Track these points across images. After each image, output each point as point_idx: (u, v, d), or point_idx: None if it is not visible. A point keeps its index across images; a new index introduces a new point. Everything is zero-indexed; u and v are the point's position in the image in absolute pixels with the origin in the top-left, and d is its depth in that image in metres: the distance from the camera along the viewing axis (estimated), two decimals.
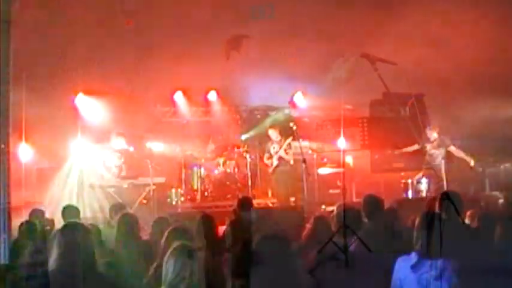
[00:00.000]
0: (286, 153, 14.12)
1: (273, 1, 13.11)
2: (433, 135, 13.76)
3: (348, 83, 14.85)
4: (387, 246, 5.79)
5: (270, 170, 14.42)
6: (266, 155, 14.52)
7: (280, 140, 14.22)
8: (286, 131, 14.23)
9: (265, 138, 14.93)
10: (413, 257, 4.90)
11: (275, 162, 14.20)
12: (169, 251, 4.54)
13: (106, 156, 13.57)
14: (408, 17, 12.53)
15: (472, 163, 13.63)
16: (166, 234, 5.94)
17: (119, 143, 13.60)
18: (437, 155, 13.68)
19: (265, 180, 15.75)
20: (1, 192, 6.67)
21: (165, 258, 4.50)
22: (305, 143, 14.82)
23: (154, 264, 5.67)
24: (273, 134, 14.42)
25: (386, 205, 7.99)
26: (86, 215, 11.49)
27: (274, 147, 14.30)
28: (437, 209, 6.28)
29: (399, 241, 6.01)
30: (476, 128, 14.34)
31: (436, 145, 13.71)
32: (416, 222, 5.10)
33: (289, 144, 13.99)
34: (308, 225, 6.96)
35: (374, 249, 5.57)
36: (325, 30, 13.39)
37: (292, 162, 14.11)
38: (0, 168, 6.71)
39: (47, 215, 10.37)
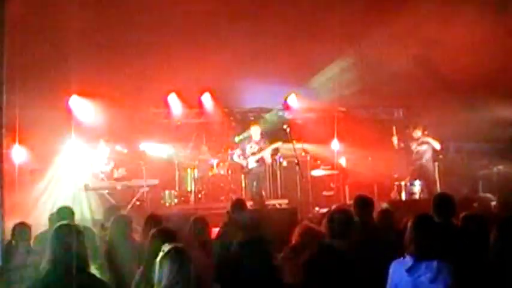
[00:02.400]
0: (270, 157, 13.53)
1: (266, 2, 13.13)
2: (417, 133, 13.82)
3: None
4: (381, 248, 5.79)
5: (245, 170, 13.52)
6: (238, 152, 13.71)
7: (259, 141, 13.47)
8: (271, 134, 14.19)
9: None
10: (408, 260, 4.91)
11: (252, 163, 13.33)
12: (162, 254, 4.51)
13: (93, 162, 13.57)
14: (403, 17, 12.55)
15: (438, 146, 13.73)
16: (150, 235, 5.91)
17: (105, 150, 13.60)
18: (423, 152, 13.77)
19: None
20: None
21: (158, 261, 4.47)
22: (298, 145, 14.84)
23: (142, 267, 5.63)
24: (256, 130, 13.57)
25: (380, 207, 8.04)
26: (80, 216, 11.48)
27: (251, 147, 13.44)
28: (430, 211, 6.32)
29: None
30: (469, 130, 14.40)
31: (421, 142, 13.79)
32: (409, 224, 5.11)
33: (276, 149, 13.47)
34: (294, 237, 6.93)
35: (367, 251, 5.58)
36: (319, 31, 13.40)
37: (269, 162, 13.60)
38: None
39: (41, 216, 10.39)
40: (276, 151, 13.70)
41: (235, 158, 13.83)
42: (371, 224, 7.00)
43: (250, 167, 13.36)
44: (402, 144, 14.01)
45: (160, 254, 4.50)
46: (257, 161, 13.34)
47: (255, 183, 13.44)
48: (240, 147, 13.77)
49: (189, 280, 4.36)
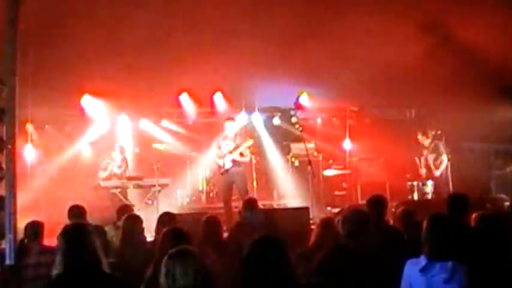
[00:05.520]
0: (242, 156, 12.68)
1: (278, 2, 13.10)
2: (427, 141, 13.78)
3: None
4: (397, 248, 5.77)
5: (222, 170, 12.69)
6: (218, 152, 12.85)
7: (235, 138, 12.77)
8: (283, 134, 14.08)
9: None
10: (422, 260, 4.88)
11: (228, 163, 12.54)
12: (168, 255, 4.46)
13: (106, 160, 13.59)
14: (417, 16, 12.50)
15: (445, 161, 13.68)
16: (161, 234, 5.90)
17: (117, 149, 13.63)
18: (434, 160, 13.74)
19: (271, 181, 15.79)
20: (7, 193, 6.67)
21: (164, 262, 4.42)
22: (311, 145, 14.82)
23: (152, 267, 5.60)
24: (230, 126, 12.87)
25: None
26: (92, 215, 11.51)
27: (228, 145, 12.68)
28: (443, 212, 6.28)
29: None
30: (483, 130, 14.32)
31: (431, 151, 13.75)
32: (424, 225, 5.08)
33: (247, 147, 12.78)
34: (315, 229, 6.94)
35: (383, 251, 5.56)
36: (331, 30, 13.36)
37: (248, 159, 13.00)
38: (6, 169, 6.72)
39: (54, 215, 10.43)
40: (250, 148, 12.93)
41: (216, 159, 13.04)
42: (385, 224, 6.98)
43: (226, 167, 12.61)
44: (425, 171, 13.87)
45: (167, 255, 4.46)
46: (233, 161, 12.58)
47: (234, 186, 12.68)
48: (216, 145, 13.06)
49: (196, 282, 4.30)
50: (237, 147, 12.67)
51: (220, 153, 12.76)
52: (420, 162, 13.86)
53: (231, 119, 13.33)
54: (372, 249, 5.54)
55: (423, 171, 13.74)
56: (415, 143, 14.39)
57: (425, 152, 13.82)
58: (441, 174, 13.65)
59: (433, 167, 13.61)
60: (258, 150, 16.07)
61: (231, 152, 12.62)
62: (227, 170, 12.62)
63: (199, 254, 4.50)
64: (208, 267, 4.48)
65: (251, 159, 14.87)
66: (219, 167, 12.87)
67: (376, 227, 6.65)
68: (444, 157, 13.60)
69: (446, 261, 4.75)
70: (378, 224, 6.82)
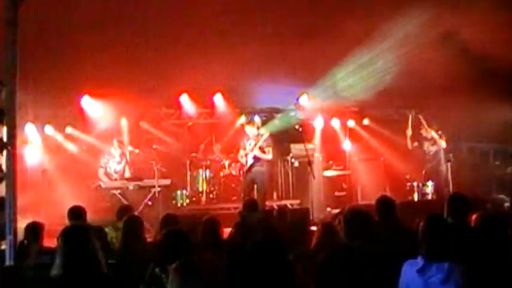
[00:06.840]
0: (263, 152, 12.84)
1: (278, 3, 13.10)
2: (427, 132, 13.90)
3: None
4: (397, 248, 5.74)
5: (245, 168, 13.08)
6: (241, 152, 13.20)
7: (257, 136, 13.01)
8: (284, 134, 14.14)
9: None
10: (419, 261, 4.86)
11: (250, 160, 12.85)
12: (176, 268, 4.41)
13: (106, 161, 13.57)
14: (416, 16, 12.50)
15: (443, 145, 13.81)
16: (160, 236, 5.86)
17: (117, 150, 13.61)
18: (435, 153, 13.79)
19: (271, 182, 15.75)
20: (7, 194, 6.68)
21: (174, 275, 4.35)
22: (311, 145, 14.81)
23: (151, 267, 5.56)
24: (251, 130, 13.17)
25: None
26: (92, 216, 11.50)
27: (250, 144, 12.97)
28: (443, 212, 6.27)
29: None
30: (483, 130, 14.32)
31: (433, 142, 13.84)
32: (421, 225, 5.07)
33: (265, 140, 12.92)
34: (316, 231, 6.92)
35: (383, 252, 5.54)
36: (331, 31, 13.35)
37: (270, 157, 12.98)
38: (7, 170, 6.72)
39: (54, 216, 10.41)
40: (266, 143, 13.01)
41: (239, 159, 13.48)
42: (392, 225, 6.94)
43: (248, 164, 12.90)
44: (416, 143, 14.06)
45: (172, 267, 4.41)
46: (254, 158, 12.84)
47: (255, 186, 12.90)
48: (242, 146, 13.30)
49: None
50: (256, 143, 12.89)
51: (242, 153, 13.11)
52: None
53: (251, 123, 13.63)
54: (376, 249, 5.54)
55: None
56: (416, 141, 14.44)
57: (426, 144, 13.90)
58: (441, 175, 13.68)
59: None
60: None
61: (251, 150, 12.84)
62: (250, 168, 12.88)
63: (201, 262, 4.48)
64: (213, 277, 4.45)
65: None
66: (242, 165, 13.36)
67: (384, 228, 6.66)
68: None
69: (443, 262, 4.75)
70: (387, 225, 6.80)
